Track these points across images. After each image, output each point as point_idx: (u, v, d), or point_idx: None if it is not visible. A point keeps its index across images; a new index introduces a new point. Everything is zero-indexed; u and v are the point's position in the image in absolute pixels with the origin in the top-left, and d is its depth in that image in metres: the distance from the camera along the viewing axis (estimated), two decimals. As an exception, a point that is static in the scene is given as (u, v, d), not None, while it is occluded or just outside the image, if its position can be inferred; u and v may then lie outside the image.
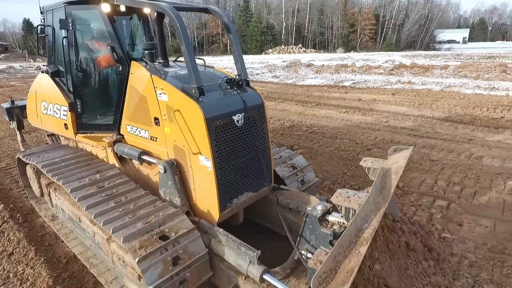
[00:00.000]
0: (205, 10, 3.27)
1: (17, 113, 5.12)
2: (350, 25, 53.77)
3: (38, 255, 3.51)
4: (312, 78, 18.93)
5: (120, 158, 3.53)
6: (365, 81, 16.78)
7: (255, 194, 3.02)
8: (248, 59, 36.96)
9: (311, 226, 2.47)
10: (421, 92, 12.85)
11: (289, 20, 55.56)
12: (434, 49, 49.88)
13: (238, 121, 2.77)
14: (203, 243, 2.57)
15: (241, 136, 2.82)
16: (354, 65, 21.89)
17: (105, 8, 3.14)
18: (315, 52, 49.13)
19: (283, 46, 50.91)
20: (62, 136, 4.38)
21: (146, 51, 3.20)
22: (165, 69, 3.09)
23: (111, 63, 3.47)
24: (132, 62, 3.14)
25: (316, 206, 2.56)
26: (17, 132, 5.29)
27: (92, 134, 3.67)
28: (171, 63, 3.34)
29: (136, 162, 3.34)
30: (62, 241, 3.74)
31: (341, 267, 1.78)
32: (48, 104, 4.08)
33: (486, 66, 17.26)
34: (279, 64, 26.57)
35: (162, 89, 2.81)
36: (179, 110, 2.68)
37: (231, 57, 43.32)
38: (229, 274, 2.52)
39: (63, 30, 3.43)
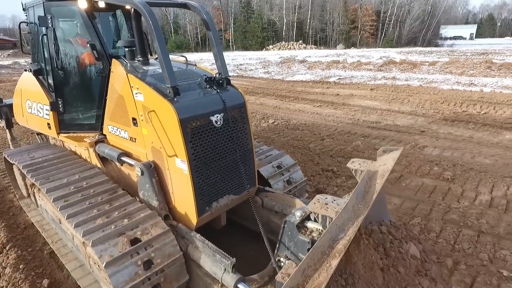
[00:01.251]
0: (184, 6, 3.09)
1: (6, 112, 5.06)
2: (351, 21, 53.77)
3: (0, 221, 4.14)
4: (302, 74, 19.34)
5: (103, 159, 3.45)
6: (352, 77, 17.14)
7: (237, 197, 2.92)
8: (247, 55, 37.39)
9: (289, 233, 2.37)
10: (400, 88, 13.22)
11: (290, 16, 55.73)
12: (436, 46, 49.54)
13: (216, 122, 2.66)
14: (177, 245, 2.51)
15: (220, 137, 2.72)
16: (346, 61, 22.22)
17: (82, 4, 3.06)
18: (315, 48, 49.28)
19: (283, 42, 51.13)
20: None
21: (126, 49, 3.10)
22: (144, 68, 2.98)
23: (95, 61, 3.37)
24: (113, 60, 3.04)
25: (295, 212, 2.45)
26: (7, 131, 5.27)
27: (75, 134, 3.61)
28: (152, 60, 3.22)
29: (118, 163, 3.30)
30: (25, 212, 4.37)
31: (309, 282, 1.67)
32: (32, 103, 4.04)
33: (472, 62, 17.47)
34: (274, 60, 26.99)
35: (138, 88, 2.73)
36: (154, 111, 2.60)
37: (229, 53, 43.79)
38: (206, 281, 2.47)
39: (43, 27, 3.36)
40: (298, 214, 2.40)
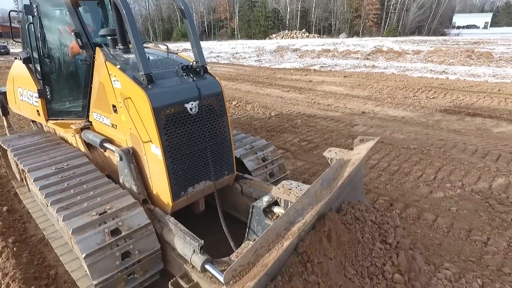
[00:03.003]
0: None
1: (1, 99, 5.15)
2: (355, 10, 53.47)
3: (-19, 173, 5.30)
4: (290, 62, 20.08)
5: (89, 145, 3.53)
6: (335, 65, 17.82)
7: (214, 183, 3.02)
8: (247, 44, 38.06)
9: (257, 217, 2.44)
10: (372, 75, 13.90)
11: (294, 5, 55.71)
12: (443, 35, 48.88)
13: (191, 109, 2.72)
14: (156, 238, 2.60)
15: (195, 124, 2.79)
16: (336, 50, 22.77)
17: None
18: (318, 37, 49.40)
19: (286, 31, 51.44)
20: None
21: (109, 37, 3.17)
22: (124, 56, 3.05)
23: (80, 50, 3.42)
24: (97, 48, 3.10)
25: (263, 197, 2.54)
26: (3, 118, 5.37)
27: (63, 121, 3.71)
28: None
29: (101, 149, 3.39)
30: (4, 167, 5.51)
31: (259, 261, 1.75)
32: (23, 90, 4.15)
33: (454, 51, 17.84)
34: (269, 49, 27.67)
35: (115, 76, 2.81)
36: (130, 98, 2.68)
37: (231, 42, 44.15)
38: (179, 262, 2.57)
39: (29, 16, 3.42)
40: (265, 200, 2.51)
